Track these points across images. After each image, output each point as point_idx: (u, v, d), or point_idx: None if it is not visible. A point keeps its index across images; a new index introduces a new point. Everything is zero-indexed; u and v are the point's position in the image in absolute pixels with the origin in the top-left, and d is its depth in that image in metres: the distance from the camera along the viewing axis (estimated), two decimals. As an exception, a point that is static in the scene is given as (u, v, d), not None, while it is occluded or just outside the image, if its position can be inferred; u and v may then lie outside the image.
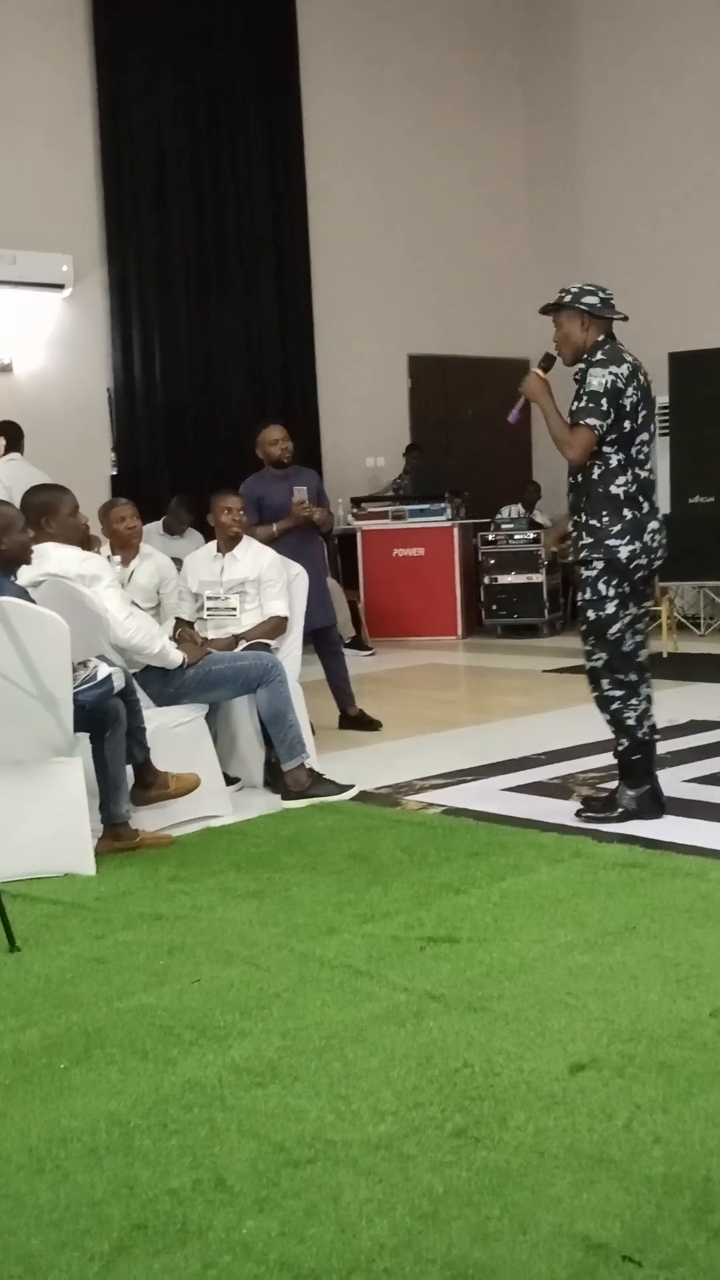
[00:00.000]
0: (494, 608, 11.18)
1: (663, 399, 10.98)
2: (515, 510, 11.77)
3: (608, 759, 5.86)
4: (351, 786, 5.46)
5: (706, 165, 11.50)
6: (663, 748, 6.12)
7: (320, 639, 6.99)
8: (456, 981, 3.32)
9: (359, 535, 11.15)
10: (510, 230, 13.01)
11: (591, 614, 4.76)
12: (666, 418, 10.88)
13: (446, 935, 3.66)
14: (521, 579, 11.07)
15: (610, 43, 12.23)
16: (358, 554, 11.12)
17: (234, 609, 5.96)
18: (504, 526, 11.30)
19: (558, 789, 5.43)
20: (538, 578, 11.04)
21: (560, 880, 4.13)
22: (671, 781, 5.39)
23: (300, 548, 6.62)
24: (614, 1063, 2.82)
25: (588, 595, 4.76)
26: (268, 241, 11.51)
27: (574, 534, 4.81)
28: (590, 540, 4.71)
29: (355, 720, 7.10)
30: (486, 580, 11.17)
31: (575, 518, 4.79)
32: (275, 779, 5.62)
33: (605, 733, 6.35)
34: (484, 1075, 2.78)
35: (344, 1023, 3.10)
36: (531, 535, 11.13)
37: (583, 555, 4.74)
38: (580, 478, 4.75)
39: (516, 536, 11.15)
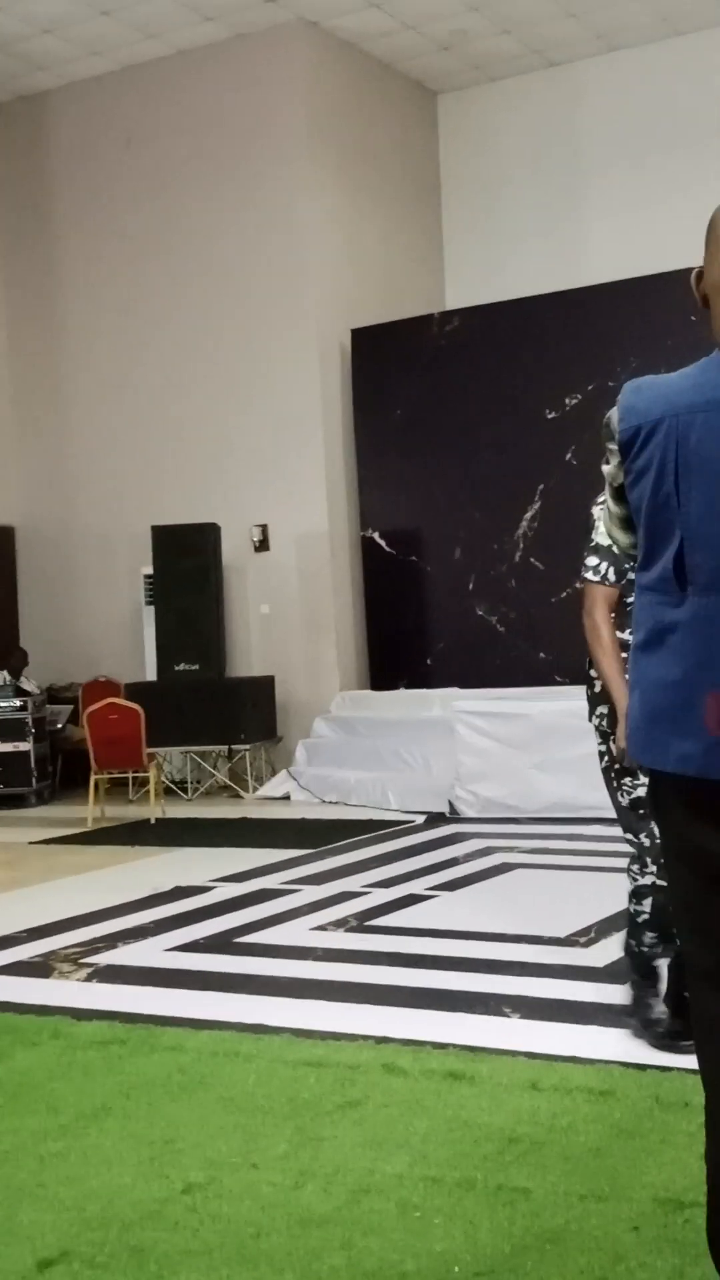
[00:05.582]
0: (-21, 778, 10.86)
1: (146, 569, 11.30)
2: (2, 678, 11.59)
3: (93, 932, 5.83)
4: None
5: (177, 357, 12.01)
6: (147, 916, 6.19)
7: None
8: None
9: None
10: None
11: None
12: (151, 588, 11.19)
13: None
14: (9, 747, 10.85)
15: (84, 223, 12.53)
16: None
17: None
18: (-11, 694, 11.07)
19: (39, 967, 5.29)
20: (25, 746, 10.86)
21: (36, 1064, 4.01)
22: (154, 951, 5.41)
23: None
24: (84, 1253, 2.75)
25: None
26: None
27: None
28: None
29: None
30: (-29, 750, 10.86)
31: None
32: None
33: (88, 905, 6.36)
34: (-55, 1287, 2.63)
35: None
36: (18, 703, 10.95)
37: None
38: None
39: (3, 704, 10.94)
